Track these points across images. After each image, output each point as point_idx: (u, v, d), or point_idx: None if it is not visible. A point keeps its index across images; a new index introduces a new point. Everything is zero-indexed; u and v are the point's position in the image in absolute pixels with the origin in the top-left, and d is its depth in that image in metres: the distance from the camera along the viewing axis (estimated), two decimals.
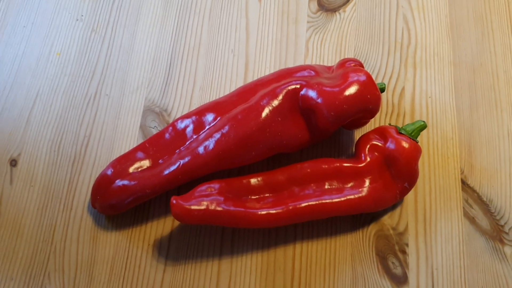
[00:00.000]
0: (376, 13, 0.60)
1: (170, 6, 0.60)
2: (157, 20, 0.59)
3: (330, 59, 0.57)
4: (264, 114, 0.47)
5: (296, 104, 0.48)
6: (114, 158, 0.51)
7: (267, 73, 0.57)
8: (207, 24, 0.59)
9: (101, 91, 0.56)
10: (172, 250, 0.50)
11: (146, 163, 0.49)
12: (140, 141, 0.53)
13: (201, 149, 0.47)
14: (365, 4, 0.60)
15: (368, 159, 0.49)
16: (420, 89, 0.56)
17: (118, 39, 0.58)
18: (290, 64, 0.57)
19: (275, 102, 0.48)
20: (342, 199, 0.47)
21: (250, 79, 0.56)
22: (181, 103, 0.55)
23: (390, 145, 0.48)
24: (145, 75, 0.57)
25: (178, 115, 0.55)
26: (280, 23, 0.59)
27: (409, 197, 0.52)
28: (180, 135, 0.49)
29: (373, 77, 0.57)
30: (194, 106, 0.55)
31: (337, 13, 0.60)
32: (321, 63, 0.57)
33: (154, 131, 0.54)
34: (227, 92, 0.56)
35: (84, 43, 0.58)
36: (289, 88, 0.48)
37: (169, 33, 0.59)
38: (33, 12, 0.59)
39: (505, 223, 0.51)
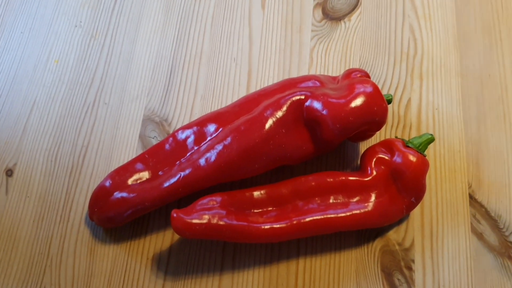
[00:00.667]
0: (382, 22, 0.59)
1: (171, 13, 0.59)
2: (158, 28, 0.58)
3: (335, 69, 0.56)
4: (267, 126, 0.46)
5: (300, 116, 0.47)
6: (113, 168, 0.50)
7: (270, 82, 0.55)
8: (209, 32, 0.58)
9: (99, 99, 0.54)
10: (171, 264, 0.48)
11: (145, 175, 0.47)
12: (139, 151, 0.52)
13: (202, 161, 0.46)
14: (370, 13, 0.59)
15: (375, 172, 0.47)
16: (427, 100, 0.55)
17: (117, 46, 0.57)
18: (294, 74, 0.56)
19: (279, 113, 0.46)
20: (348, 213, 0.46)
21: (253, 88, 0.55)
22: (182, 112, 0.54)
23: (397, 158, 0.47)
24: (145, 83, 0.55)
25: (179, 125, 0.53)
26: (284, 31, 0.58)
27: (416, 211, 0.50)
28: (181, 146, 0.48)
29: (379, 87, 0.55)
30: (195, 116, 0.54)
31: (342, 22, 0.59)
32: (326, 73, 0.56)
33: (154, 141, 0.52)
34: (229, 102, 0.54)
35: (83, 50, 0.57)
36: (294, 99, 0.47)
37: (170, 41, 0.57)
38: (31, 17, 0.58)
39: None
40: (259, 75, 0.56)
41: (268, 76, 0.56)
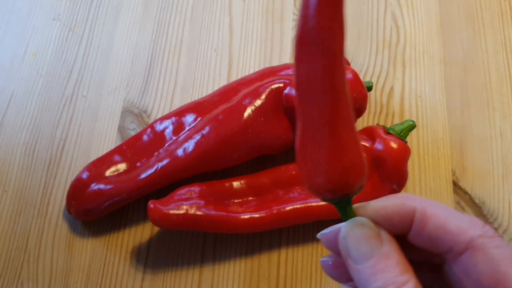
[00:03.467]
0: (364, 10, 0.58)
1: (150, 4, 0.58)
2: (137, 19, 0.57)
3: None
4: (246, 114, 0.45)
5: (280, 104, 0.46)
6: (91, 161, 0.49)
7: (251, 72, 0.55)
8: (189, 23, 0.57)
9: (78, 92, 0.54)
10: (151, 257, 0.47)
11: (123, 166, 0.47)
12: (118, 143, 0.51)
13: (180, 151, 0.45)
14: (353, 1, 0.59)
15: None
16: (410, 88, 0.54)
17: (96, 38, 0.56)
18: (275, 63, 0.55)
19: (258, 102, 0.46)
20: None
21: (234, 78, 0.54)
22: (162, 104, 0.53)
23: (378, 145, 0.46)
24: (124, 75, 0.54)
25: (159, 117, 0.52)
26: (265, 21, 0.57)
27: None
28: (159, 137, 0.47)
29: (361, 76, 0.55)
30: (175, 107, 0.53)
31: None
32: None
33: (133, 133, 0.51)
34: (210, 92, 0.53)
35: (61, 43, 0.56)
36: (273, 87, 0.46)
37: (150, 32, 0.57)
38: (8, 11, 0.57)
39: (499, 226, 0.49)
40: (240, 65, 0.55)
41: (249, 66, 0.55)
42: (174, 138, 0.47)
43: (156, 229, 0.48)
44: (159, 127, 0.48)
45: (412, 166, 0.51)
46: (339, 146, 0.28)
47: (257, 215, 0.44)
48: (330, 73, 0.27)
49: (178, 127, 0.47)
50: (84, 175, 0.46)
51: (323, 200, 0.30)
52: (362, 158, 0.29)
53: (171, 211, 0.43)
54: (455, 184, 0.50)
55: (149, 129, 0.48)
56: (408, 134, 0.47)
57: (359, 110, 0.46)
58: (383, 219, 0.29)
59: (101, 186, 0.45)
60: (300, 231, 0.48)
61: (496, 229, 0.48)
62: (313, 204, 0.45)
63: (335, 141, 0.28)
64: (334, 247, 0.30)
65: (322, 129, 0.28)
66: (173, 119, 0.48)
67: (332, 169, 0.28)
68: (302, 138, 0.29)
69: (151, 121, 0.52)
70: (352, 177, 0.28)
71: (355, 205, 0.30)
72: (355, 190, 0.29)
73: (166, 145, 0.47)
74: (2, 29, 0.56)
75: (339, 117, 0.28)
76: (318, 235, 0.31)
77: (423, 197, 0.30)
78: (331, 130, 0.28)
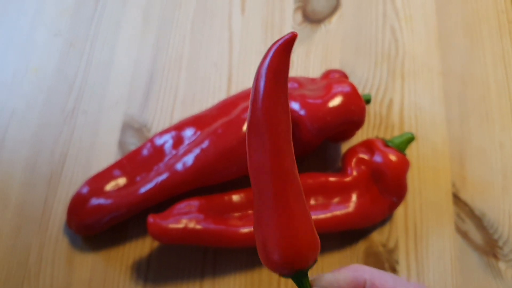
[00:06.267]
0: (362, 24, 0.58)
1: (150, 19, 0.58)
2: (137, 34, 0.58)
3: (315, 71, 0.56)
4: (245, 128, 0.45)
5: None
6: (91, 176, 0.49)
7: (250, 86, 0.55)
8: (189, 37, 0.58)
9: (78, 107, 0.54)
10: (151, 271, 0.47)
11: (122, 181, 0.47)
12: (119, 158, 0.51)
13: (179, 166, 0.45)
14: (351, 15, 0.59)
15: (355, 173, 0.47)
16: (409, 100, 0.55)
17: (97, 54, 0.57)
18: None
19: None
20: (328, 215, 0.45)
21: (234, 92, 0.55)
22: (162, 118, 0.54)
23: (377, 158, 0.46)
24: (124, 90, 0.55)
25: (159, 131, 0.53)
26: (264, 35, 0.58)
27: (399, 212, 0.50)
28: (159, 151, 0.48)
29: (360, 89, 0.55)
30: (175, 121, 0.53)
31: (322, 24, 0.58)
32: (306, 75, 0.56)
33: (133, 148, 0.52)
34: (209, 106, 0.54)
35: (62, 58, 0.56)
36: None
37: (150, 47, 0.57)
38: (10, 27, 0.58)
39: (499, 238, 0.48)
40: (239, 79, 0.56)
41: (249, 79, 0.56)
42: (173, 152, 0.47)
43: (156, 243, 0.48)
44: (158, 141, 0.48)
45: (412, 178, 0.51)
46: (290, 224, 0.30)
47: None
48: (276, 156, 0.30)
49: (178, 141, 0.48)
50: (84, 190, 0.47)
51: (281, 276, 0.31)
52: (314, 233, 0.31)
53: (171, 225, 0.43)
54: (455, 196, 0.50)
55: (149, 144, 0.48)
56: (407, 147, 0.47)
57: (357, 123, 0.46)
58: None
59: (101, 200, 0.46)
60: None
61: (496, 240, 0.48)
62: (313, 217, 0.45)
63: (285, 219, 0.30)
64: None
65: (272, 208, 0.30)
66: (173, 133, 0.48)
67: (284, 246, 0.30)
68: (256, 217, 0.31)
69: (151, 135, 0.52)
70: (305, 252, 0.31)
71: (311, 278, 0.32)
72: (309, 265, 0.31)
73: (166, 159, 0.47)
74: (4, 45, 0.57)
75: (287, 196, 0.30)
76: None
77: (374, 268, 0.32)
78: (280, 209, 0.30)
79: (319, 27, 0.58)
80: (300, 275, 0.31)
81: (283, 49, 0.29)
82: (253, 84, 0.31)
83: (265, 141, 0.30)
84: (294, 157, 0.31)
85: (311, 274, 0.34)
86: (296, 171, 0.31)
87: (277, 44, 0.30)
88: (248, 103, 0.47)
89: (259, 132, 0.30)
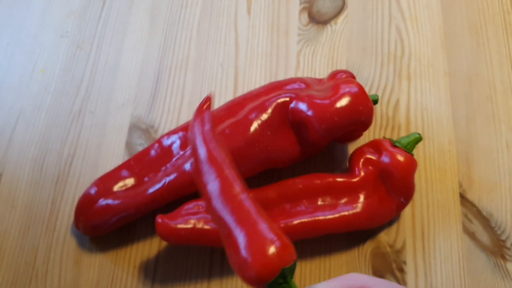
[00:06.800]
0: (368, 24, 0.59)
1: (157, 21, 0.59)
2: (143, 35, 0.58)
3: (322, 72, 0.56)
4: (252, 128, 0.45)
5: (286, 118, 0.46)
6: (99, 177, 0.49)
7: (257, 86, 0.55)
8: (195, 38, 0.58)
9: (85, 108, 0.54)
10: (159, 272, 0.47)
11: (130, 182, 0.47)
12: (126, 159, 0.51)
13: (187, 166, 0.45)
14: (357, 15, 0.59)
15: (362, 173, 0.47)
16: (415, 101, 0.55)
17: (103, 55, 0.57)
18: (281, 77, 0.56)
19: (264, 116, 0.46)
20: (336, 215, 0.45)
21: (240, 93, 0.55)
22: (169, 119, 0.54)
23: (385, 158, 0.46)
24: (131, 91, 0.55)
25: (165, 132, 0.53)
26: (270, 36, 0.58)
27: (406, 213, 0.50)
28: (166, 151, 0.48)
29: (367, 89, 0.55)
30: (182, 122, 0.53)
31: (328, 25, 0.59)
32: (313, 76, 0.56)
33: (140, 149, 0.52)
34: (216, 107, 0.54)
35: (69, 59, 0.56)
36: (279, 101, 0.46)
37: (156, 48, 0.57)
38: (17, 29, 0.58)
39: (507, 238, 0.48)
40: (245, 80, 0.56)
41: (255, 80, 0.56)
42: (181, 152, 0.47)
43: (164, 244, 0.48)
44: (166, 142, 0.48)
45: (419, 178, 0.51)
46: (250, 236, 0.33)
47: None
48: (225, 183, 0.35)
49: (185, 142, 0.48)
50: (92, 191, 0.47)
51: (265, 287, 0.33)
52: (280, 238, 0.33)
53: (179, 226, 0.43)
54: (462, 197, 0.50)
55: (156, 144, 0.48)
56: (414, 147, 0.47)
57: (365, 123, 0.46)
58: None
59: (109, 201, 0.46)
60: (307, 245, 0.48)
61: (504, 241, 0.48)
62: (320, 218, 0.45)
63: (245, 232, 0.33)
64: None
65: (230, 226, 0.34)
66: (180, 134, 0.48)
67: (249, 255, 0.32)
68: (224, 243, 0.34)
69: (158, 136, 0.52)
70: (272, 259, 0.32)
71: None
72: (286, 264, 0.32)
73: (174, 159, 0.47)
74: (11, 46, 0.57)
75: (243, 217, 0.34)
76: None
77: (370, 276, 0.32)
78: (236, 225, 0.33)
79: (325, 28, 0.58)
80: (284, 280, 0.32)
81: (203, 109, 0.39)
82: (189, 136, 0.39)
83: (212, 174, 0.35)
84: (241, 178, 0.36)
85: (310, 282, 0.35)
86: (247, 191, 0.35)
87: (199, 107, 0.39)
88: (255, 104, 0.47)
89: (206, 169, 0.36)
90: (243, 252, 0.32)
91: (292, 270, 0.33)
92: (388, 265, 0.48)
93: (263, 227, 0.33)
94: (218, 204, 0.35)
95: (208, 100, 0.40)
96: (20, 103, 0.54)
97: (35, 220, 0.49)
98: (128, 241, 0.48)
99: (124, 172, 0.47)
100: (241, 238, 0.33)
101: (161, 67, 0.56)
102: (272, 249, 0.32)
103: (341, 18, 0.59)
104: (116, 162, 0.51)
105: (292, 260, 0.32)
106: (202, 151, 0.37)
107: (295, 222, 0.45)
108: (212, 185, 0.35)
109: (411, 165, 0.46)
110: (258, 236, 0.32)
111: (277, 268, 0.31)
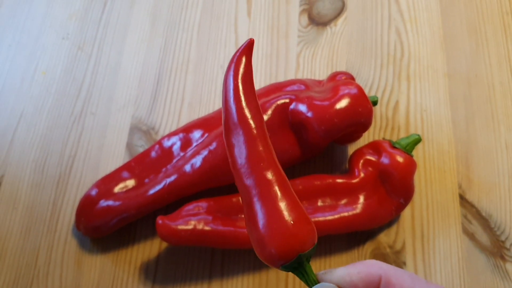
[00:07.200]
0: (368, 26, 0.59)
1: (158, 23, 0.59)
2: (144, 37, 0.58)
3: (322, 73, 0.56)
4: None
5: (286, 119, 0.47)
6: (100, 178, 0.49)
7: (257, 88, 0.55)
8: (195, 40, 0.58)
9: (86, 109, 0.54)
10: (159, 273, 0.48)
11: (131, 183, 0.47)
12: (127, 160, 0.51)
13: (187, 167, 0.45)
14: (356, 17, 0.59)
15: (362, 174, 0.47)
16: (415, 102, 0.55)
17: (104, 57, 0.57)
18: (281, 79, 0.56)
19: (264, 117, 0.46)
20: (336, 216, 0.46)
21: None
22: (169, 120, 0.54)
23: (384, 159, 0.46)
24: (132, 92, 0.55)
25: (166, 133, 0.53)
26: (270, 37, 0.58)
27: (406, 213, 0.50)
28: (167, 153, 0.48)
29: (366, 91, 0.55)
30: (182, 123, 0.54)
31: (328, 27, 0.59)
32: (313, 78, 0.56)
33: (141, 150, 0.52)
34: (216, 109, 0.54)
35: (70, 61, 0.57)
36: (278, 102, 0.47)
37: (157, 50, 0.57)
38: (19, 31, 0.58)
39: (506, 239, 0.49)
40: None
41: (255, 82, 0.55)
42: (181, 154, 0.47)
43: (165, 245, 0.49)
44: (166, 143, 0.48)
45: (418, 179, 0.51)
46: (276, 210, 0.31)
47: None
48: (253, 147, 0.32)
49: (186, 143, 0.48)
50: (93, 192, 0.47)
51: (281, 268, 0.31)
52: (304, 216, 0.31)
53: (179, 227, 0.43)
54: (462, 197, 0.51)
55: (157, 146, 0.48)
56: (414, 148, 0.48)
57: (364, 125, 0.47)
58: (348, 285, 0.29)
59: (110, 202, 0.46)
60: None
61: (503, 242, 0.49)
62: (320, 218, 0.45)
63: (271, 205, 0.31)
64: None
65: (256, 196, 0.31)
66: (181, 135, 0.48)
67: (275, 233, 0.30)
68: (246, 213, 0.32)
69: (159, 137, 0.53)
70: (299, 236, 0.30)
71: (321, 272, 0.31)
72: (306, 249, 0.31)
73: (174, 161, 0.47)
74: (12, 48, 0.57)
75: (270, 183, 0.32)
76: None
77: (390, 264, 0.30)
78: (264, 196, 0.31)
79: (325, 29, 0.59)
80: (300, 264, 0.31)
81: (244, 54, 0.35)
82: (222, 87, 0.34)
83: (240, 136, 0.32)
84: (272, 147, 0.33)
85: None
86: (276, 160, 0.33)
87: (239, 51, 0.35)
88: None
89: (235, 130, 0.33)
90: (262, 229, 0.31)
91: (310, 255, 0.31)
92: None
93: (286, 205, 0.31)
94: (242, 170, 0.32)
95: (250, 44, 0.35)
96: (21, 105, 0.55)
97: (37, 221, 0.50)
98: (129, 242, 0.49)
99: (125, 174, 0.48)
100: (260, 214, 0.31)
101: (162, 68, 0.56)
102: (290, 232, 0.30)
103: (340, 20, 0.59)
104: (116, 163, 0.52)
105: (311, 245, 0.31)
106: (232, 108, 0.33)
107: None
108: (239, 150, 0.32)
109: (411, 166, 0.46)
110: (278, 216, 0.31)
111: (295, 252, 0.30)
